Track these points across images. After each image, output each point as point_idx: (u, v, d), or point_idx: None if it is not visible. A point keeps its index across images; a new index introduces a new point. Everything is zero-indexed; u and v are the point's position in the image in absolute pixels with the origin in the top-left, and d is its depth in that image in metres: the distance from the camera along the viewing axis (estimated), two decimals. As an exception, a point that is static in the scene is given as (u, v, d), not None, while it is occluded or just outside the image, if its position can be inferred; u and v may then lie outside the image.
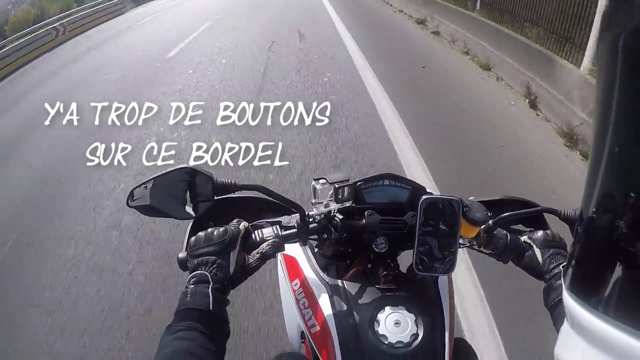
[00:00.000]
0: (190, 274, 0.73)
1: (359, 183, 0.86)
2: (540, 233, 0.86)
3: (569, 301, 0.39)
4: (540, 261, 0.83)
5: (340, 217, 0.83)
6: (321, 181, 0.83)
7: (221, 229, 0.75)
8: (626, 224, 0.34)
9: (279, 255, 1.00)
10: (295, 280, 0.94)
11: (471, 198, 0.89)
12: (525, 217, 0.93)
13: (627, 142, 0.34)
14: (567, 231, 0.87)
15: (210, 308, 0.68)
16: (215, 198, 0.77)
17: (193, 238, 0.76)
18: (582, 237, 0.40)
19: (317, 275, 0.91)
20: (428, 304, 0.86)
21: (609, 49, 0.36)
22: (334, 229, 0.83)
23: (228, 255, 0.74)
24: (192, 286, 0.70)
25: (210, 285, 0.70)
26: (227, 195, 0.78)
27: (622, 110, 0.34)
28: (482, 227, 0.84)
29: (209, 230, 0.76)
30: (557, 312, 0.77)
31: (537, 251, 0.84)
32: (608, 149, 0.36)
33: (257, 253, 0.78)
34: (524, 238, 0.88)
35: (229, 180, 0.77)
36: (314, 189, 0.83)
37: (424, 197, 0.78)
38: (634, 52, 0.33)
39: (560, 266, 0.80)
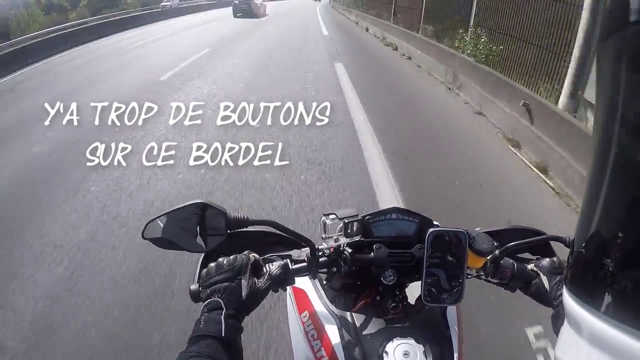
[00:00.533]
0: (203, 302, 0.74)
1: (367, 217, 0.88)
2: (546, 261, 0.87)
3: (569, 301, 0.40)
4: (548, 288, 0.83)
5: (350, 250, 0.85)
6: (331, 216, 0.85)
7: (231, 257, 0.77)
8: (626, 224, 0.34)
9: (289, 289, 1.01)
10: (304, 312, 0.94)
11: (477, 229, 0.91)
12: (531, 246, 0.94)
13: (629, 143, 0.34)
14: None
15: (223, 335, 0.68)
16: (228, 232, 0.79)
17: (204, 270, 0.78)
18: (582, 238, 0.40)
19: (326, 307, 0.92)
20: (437, 334, 0.86)
21: (609, 50, 0.36)
22: (343, 263, 0.85)
23: (239, 281, 0.75)
24: (206, 314, 0.71)
25: (223, 312, 0.70)
26: (239, 230, 0.80)
27: (622, 110, 0.35)
28: (489, 257, 0.85)
29: (219, 260, 0.77)
30: None
31: (544, 279, 0.85)
32: (609, 150, 0.36)
33: (268, 281, 0.79)
34: (530, 266, 0.89)
35: (242, 215, 0.79)
36: (324, 224, 0.85)
37: (430, 230, 0.80)
38: (634, 52, 0.33)
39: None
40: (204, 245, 0.78)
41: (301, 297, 0.98)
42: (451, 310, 0.90)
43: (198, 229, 0.78)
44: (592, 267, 0.38)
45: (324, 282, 0.98)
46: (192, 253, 0.80)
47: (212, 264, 0.77)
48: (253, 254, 0.81)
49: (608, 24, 0.37)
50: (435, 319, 0.88)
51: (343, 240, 0.85)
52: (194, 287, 0.78)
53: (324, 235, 0.86)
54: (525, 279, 0.87)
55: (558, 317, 0.79)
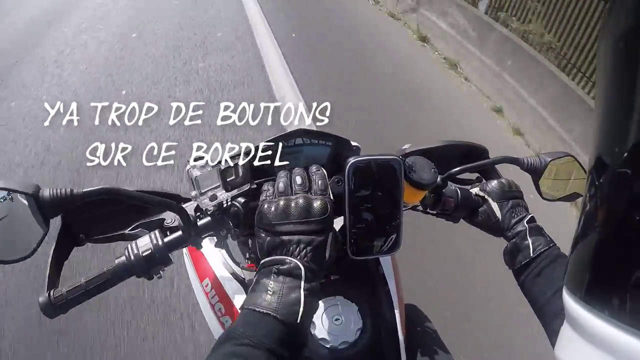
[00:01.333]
0: (267, 255, 0.53)
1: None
2: (494, 183, 0.71)
3: (569, 301, 0.38)
4: (499, 216, 0.69)
5: (242, 201, 0.61)
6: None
7: (320, 201, 0.54)
8: (627, 222, 0.33)
9: (184, 249, 0.77)
10: (205, 280, 0.74)
11: (406, 146, 0.71)
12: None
13: (630, 141, 0.33)
14: (522, 177, 0.73)
15: (298, 320, 0.48)
16: (52, 218, 0.49)
17: (273, 207, 0.54)
18: (582, 236, 0.39)
19: (231, 271, 0.72)
20: (370, 285, 0.70)
21: (610, 49, 0.36)
22: (232, 220, 0.61)
23: (325, 239, 0.54)
24: (280, 277, 0.50)
25: (303, 284, 0.49)
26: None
27: (623, 110, 0.34)
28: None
29: (301, 200, 0.54)
30: (524, 276, 0.67)
31: (494, 205, 0.70)
32: (609, 147, 0.36)
33: (135, 273, 0.55)
34: (475, 190, 0.73)
35: (61, 192, 0.49)
36: (191, 177, 0.57)
37: (351, 160, 0.58)
38: (634, 52, 0.33)
39: (525, 222, 0.68)
40: (27, 249, 0.49)
41: (199, 261, 0.76)
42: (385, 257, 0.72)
43: (3, 226, 0.48)
44: (592, 266, 0.37)
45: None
46: None
47: (292, 203, 0.54)
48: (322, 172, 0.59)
49: (609, 22, 0.36)
50: (367, 270, 0.71)
51: (223, 196, 0.59)
52: (43, 298, 0.52)
53: (194, 193, 0.59)
54: (470, 206, 0.71)
55: (516, 252, 0.67)
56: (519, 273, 0.67)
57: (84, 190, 0.50)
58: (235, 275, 0.71)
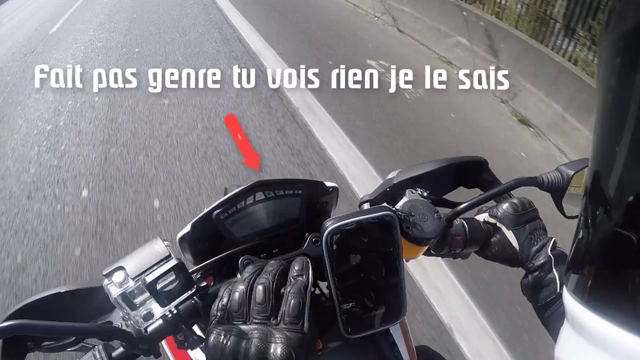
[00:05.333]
0: None
1: (216, 213, 0.50)
2: (505, 206, 0.59)
3: (569, 301, 0.37)
4: (516, 246, 0.57)
5: (196, 297, 0.46)
6: (116, 278, 0.42)
7: (255, 341, 0.39)
8: (627, 222, 0.33)
9: (163, 342, 0.62)
10: None
11: (391, 175, 0.59)
12: (473, 177, 0.65)
13: (630, 140, 0.33)
14: (537, 194, 0.61)
15: None
16: None
17: (212, 342, 0.39)
18: (583, 236, 0.38)
19: None
20: (378, 354, 0.57)
21: (611, 48, 0.35)
22: (194, 319, 0.47)
23: None
24: None
25: None
26: None
27: (624, 111, 0.33)
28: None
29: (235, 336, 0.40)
30: (550, 312, 0.56)
31: (509, 234, 0.58)
32: (609, 147, 0.35)
33: None
34: (484, 217, 0.60)
35: None
36: (111, 297, 0.42)
37: (328, 226, 0.44)
38: (636, 51, 0.32)
39: (548, 250, 0.57)
40: None
41: (178, 352, 0.62)
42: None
43: None
44: (593, 266, 0.37)
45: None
46: None
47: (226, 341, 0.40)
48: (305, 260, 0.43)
49: (610, 20, 0.35)
50: (375, 339, 0.58)
51: (161, 311, 0.43)
52: None
53: (122, 314, 0.44)
54: (481, 240, 0.58)
55: (539, 287, 0.57)
56: (543, 309, 0.57)
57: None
58: None
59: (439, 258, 0.62)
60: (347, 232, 0.44)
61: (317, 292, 0.58)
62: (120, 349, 0.43)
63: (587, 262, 0.37)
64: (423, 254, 0.58)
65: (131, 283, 0.42)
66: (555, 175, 0.57)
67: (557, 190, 0.57)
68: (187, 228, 0.49)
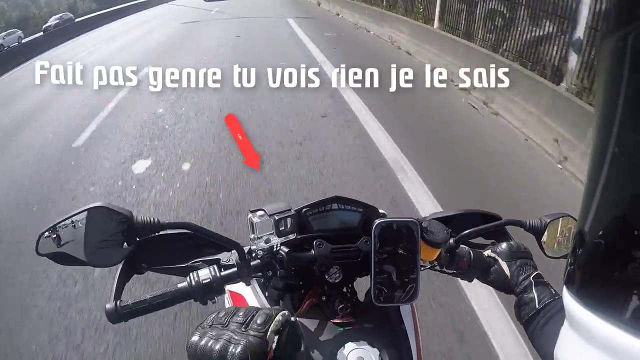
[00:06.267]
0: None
1: (304, 210, 0.78)
2: (504, 245, 0.81)
3: (569, 301, 0.39)
4: (508, 275, 0.77)
5: (286, 250, 0.74)
6: (259, 213, 0.73)
7: (241, 345, 0.50)
8: (626, 223, 0.34)
9: (226, 292, 0.89)
10: None
11: (426, 216, 0.83)
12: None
13: (630, 141, 0.34)
14: (531, 240, 0.82)
15: None
16: (138, 240, 0.66)
17: (198, 344, 0.51)
18: (583, 237, 0.39)
19: None
20: (392, 335, 0.79)
21: (612, 49, 0.36)
22: (279, 265, 0.74)
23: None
24: None
25: None
26: (153, 235, 0.67)
27: (624, 111, 0.34)
28: (443, 247, 0.77)
29: (224, 340, 0.51)
30: (532, 327, 0.71)
31: (504, 265, 0.78)
32: (610, 149, 0.36)
33: (193, 297, 0.67)
34: (487, 252, 0.82)
35: (152, 219, 0.66)
36: (252, 223, 0.73)
37: (377, 221, 0.71)
38: (637, 52, 0.33)
39: (530, 277, 0.75)
40: (110, 258, 0.65)
41: (239, 303, 0.86)
42: (406, 306, 0.82)
43: (101, 237, 0.64)
44: (593, 266, 0.37)
45: (265, 283, 0.87)
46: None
47: (213, 344, 0.50)
48: (270, 312, 0.56)
49: (611, 21, 0.36)
50: (389, 318, 0.80)
51: (275, 241, 0.74)
52: (110, 305, 0.64)
53: (252, 236, 0.74)
54: (483, 267, 0.80)
55: (522, 305, 0.74)
56: (527, 325, 0.73)
57: (169, 221, 0.66)
58: None
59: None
60: (386, 228, 0.70)
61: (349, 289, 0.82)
62: (228, 271, 0.71)
63: (586, 263, 0.38)
64: (436, 269, 0.81)
65: (266, 218, 0.72)
66: (536, 222, 0.80)
67: (536, 232, 0.80)
68: (290, 209, 0.76)
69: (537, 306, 0.71)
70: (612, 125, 0.36)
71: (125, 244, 0.65)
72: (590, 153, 0.39)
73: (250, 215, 0.73)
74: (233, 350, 0.49)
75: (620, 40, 0.34)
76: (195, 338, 0.52)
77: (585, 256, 0.39)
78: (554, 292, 0.72)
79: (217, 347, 0.49)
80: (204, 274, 0.69)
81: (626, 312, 0.33)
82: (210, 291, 0.69)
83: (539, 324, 0.70)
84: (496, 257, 0.80)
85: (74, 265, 0.66)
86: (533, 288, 0.73)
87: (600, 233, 0.37)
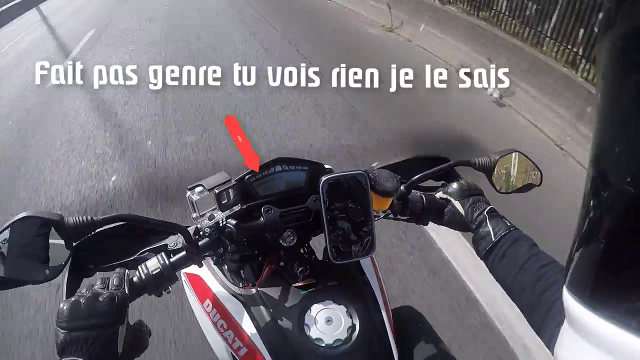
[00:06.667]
0: (60, 354, 0.54)
1: (247, 177, 0.74)
2: (455, 185, 0.80)
3: (569, 301, 0.38)
4: (463, 213, 0.77)
5: (234, 222, 0.70)
6: (197, 189, 0.68)
7: (105, 296, 0.57)
8: (627, 221, 0.34)
9: (182, 276, 0.85)
10: (206, 301, 0.81)
11: (374, 164, 0.81)
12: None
13: (630, 139, 0.34)
14: (481, 177, 0.82)
15: None
16: (75, 244, 0.60)
17: (66, 305, 0.56)
18: (582, 236, 0.39)
19: (227, 289, 0.79)
20: (356, 289, 0.78)
21: (611, 48, 0.35)
22: (228, 240, 0.70)
23: (115, 329, 0.57)
24: None
25: None
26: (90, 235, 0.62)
27: (625, 111, 0.34)
28: (395, 195, 0.75)
29: (88, 297, 0.57)
30: (491, 260, 0.72)
31: (457, 204, 0.78)
32: (610, 147, 0.36)
33: (146, 291, 0.65)
34: (439, 195, 0.81)
35: (84, 218, 0.59)
36: (191, 201, 0.68)
37: (323, 178, 0.68)
38: (636, 51, 0.33)
39: (485, 212, 0.75)
40: (48, 271, 0.59)
41: (198, 284, 0.83)
42: (366, 259, 0.81)
43: (33, 250, 0.57)
44: (593, 265, 0.37)
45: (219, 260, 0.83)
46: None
47: (82, 299, 0.57)
48: (123, 272, 0.64)
49: (608, 19, 0.35)
50: (351, 272, 0.79)
51: (220, 216, 0.69)
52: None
53: (194, 215, 0.69)
54: (436, 209, 0.80)
55: (479, 240, 0.74)
56: (485, 259, 0.73)
57: (102, 217, 0.60)
58: (234, 295, 0.78)
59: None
60: (334, 184, 0.67)
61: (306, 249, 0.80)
62: (176, 256, 0.67)
63: (586, 262, 0.38)
64: (390, 217, 0.80)
65: (206, 193, 0.67)
66: (485, 160, 0.79)
67: (486, 171, 0.79)
68: (230, 179, 0.72)
69: (493, 239, 0.71)
70: (612, 123, 0.36)
71: (62, 251, 0.59)
72: (590, 155, 0.38)
73: (188, 193, 0.68)
74: (101, 299, 0.57)
75: (620, 37, 0.34)
76: (62, 304, 0.57)
77: (585, 255, 0.39)
78: (508, 224, 0.72)
79: (84, 301, 0.56)
80: (153, 264, 0.65)
81: (627, 311, 0.33)
82: (163, 281, 0.65)
83: (497, 256, 0.70)
84: (448, 197, 0.79)
85: (10, 287, 0.59)
86: (488, 222, 0.73)
87: (601, 232, 0.37)
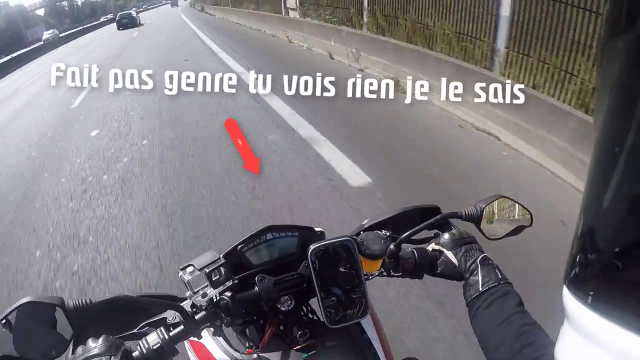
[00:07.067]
0: None
1: (239, 247, 0.75)
2: (446, 236, 0.80)
3: (569, 300, 0.39)
4: (456, 263, 0.77)
5: (229, 294, 0.72)
6: (188, 270, 0.71)
7: (100, 338, 0.62)
8: (627, 223, 0.35)
9: (186, 343, 0.87)
10: None
11: (365, 222, 0.82)
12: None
13: (631, 143, 0.34)
14: (471, 227, 0.83)
15: None
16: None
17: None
18: (582, 237, 0.39)
19: (230, 356, 0.80)
20: (358, 348, 0.78)
21: (612, 50, 0.36)
22: (224, 313, 0.72)
23: None
24: None
25: None
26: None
27: (625, 113, 0.35)
28: (385, 255, 0.76)
29: (87, 343, 0.62)
30: (474, 309, 0.71)
31: (450, 254, 0.78)
32: (610, 150, 0.36)
33: None
34: (431, 246, 0.82)
35: (84, 301, 0.64)
36: (184, 281, 0.71)
37: (311, 247, 0.70)
38: (636, 54, 0.33)
39: (477, 261, 0.75)
40: (52, 352, 0.63)
41: (201, 352, 0.84)
42: (366, 319, 0.81)
43: (36, 333, 0.63)
44: (593, 266, 0.38)
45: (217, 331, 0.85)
46: None
47: (80, 347, 0.62)
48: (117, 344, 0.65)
49: (611, 25, 0.36)
50: (351, 333, 0.80)
51: (212, 292, 0.71)
52: None
53: (188, 293, 0.72)
54: (429, 262, 0.80)
55: (467, 287, 0.74)
56: (470, 307, 0.72)
57: (100, 299, 0.65)
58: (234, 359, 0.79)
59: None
60: (323, 251, 0.69)
61: (306, 310, 0.81)
62: (175, 330, 0.69)
63: (586, 262, 0.38)
64: (384, 275, 0.81)
65: (197, 273, 0.69)
66: (471, 209, 0.80)
67: (474, 220, 0.80)
68: (219, 258, 0.74)
69: (480, 289, 0.71)
70: (612, 127, 0.36)
71: (65, 330, 0.63)
72: (592, 154, 0.38)
73: (180, 273, 0.71)
74: None
75: (621, 43, 0.34)
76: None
77: (585, 255, 0.39)
78: (500, 277, 0.72)
79: None
80: (153, 339, 0.67)
81: (626, 311, 0.33)
82: (164, 355, 0.67)
83: (481, 307, 0.70)
84: (441, 248, 0.80)
85: None
86: (479, 271, 0.73)
87: (600, 232, 0.37)
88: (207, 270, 0.70)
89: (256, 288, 0.73)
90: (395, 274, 0.81)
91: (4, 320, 0.61)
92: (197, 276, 0.71)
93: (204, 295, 0.71)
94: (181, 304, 0.71)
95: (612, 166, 0.36)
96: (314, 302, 0.82)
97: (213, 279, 0.71)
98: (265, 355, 0.77)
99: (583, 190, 0.40)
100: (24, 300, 0.62)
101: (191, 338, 0.82)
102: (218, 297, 0.71)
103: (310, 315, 0.82)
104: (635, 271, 0.34)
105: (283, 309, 0.75)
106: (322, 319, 0.80)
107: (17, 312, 0.61)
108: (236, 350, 0.81)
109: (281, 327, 0.78)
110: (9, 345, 0.61)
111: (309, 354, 0.76)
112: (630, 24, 0.34)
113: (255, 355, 0.78)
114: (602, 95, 0.38)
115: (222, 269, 0.71)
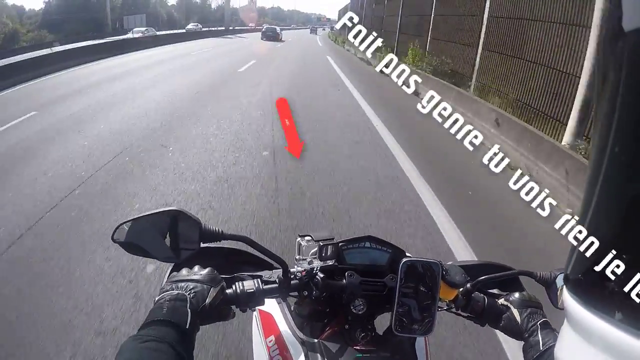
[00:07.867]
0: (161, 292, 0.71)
1: (340, 244, 0.87)
2: (517, 295, 0.87)
3: (570, 301, 0.40)
4: (519, 321, 0.83)
5: (322, 275, 0.83)
6: (306, 238, 0.84)
7: (207, 268, 0.76)
8: (625, 225, 0.35)
9: (255, 312, 0.98)
10: (270, 337, 0.91)
11: (450, 263, 0.91)
12: (502, 281, 0.94)
13: (628, 146, 0.35)
14: (542, 292, 0.89)
15: (187, 326, 0.65)
16: (201, 245, 0.77)
17: (174, 272, 0.76)
18: (583, 238, 0.40)
19: (294, 333, 0.89)
20: None
21: (612, 50, 0.36)
22: (314, 287, 0.83)
23: (209, 288, 0.73)
24: (169, 302, 0.68)
25: (188, 305, 0.68)
26: (212, 245, 0.79)
27: (624, 112, 0.35)
28: (461, 289, 0.85)
29: (195, 267, 0.76)
30: None
31: (515, 312, 0.85)
32: (610, 149, 0.36)
33: (236, 303, 0.77)
34: (501, 301, 0.89)
35: (217, 229, 0.76)
36: (299, 245, 0.83)
37: (404, 259, 0.80)
38: (632, 59, 0.34)
39: (538, 323, 0.80)
40: (174, 255, 0.77)
41: (268, 321, 0.95)
42: (420, 341, 0.89)
43: (169, 237, 0.76)
44: (593, 267, 0.38)
45: (292, 308, 0.95)
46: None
47: (184, 269, 0.76)
48: (222, 277, 0.79)
49: (607, 31, 0.37)
50: (404, 350, 0.87)
51: (317, 264, 0.83)
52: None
53: (297, 257, 0.84)
54: (496, 313, 0.87)
55: (528, 348, 0.79)
56: None
57: (231, 233, 0.76)
58: (298, 339, 0.87)
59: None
60: (412, 266, 0.79)
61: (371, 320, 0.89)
62: (269, 286, 0.81)
63: (587, 264, 0.38)
64: (452, 311, 0.89)
65: (312, 243, 0.82)
66: (547, 274, 0.87)
67: (546, 284, 0.87)
68: (332, 238, 0.86)
69: (541, 348, 0.76)
70: (612, 126, 0.36)
71: (191, 244, 0.76)
72: (591, 154, 0.40)
73: (299, 239, 0.84)
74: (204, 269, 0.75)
75: (621, 42, 0.35)
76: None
77: (586, 257, 0.39)
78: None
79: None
80: (249, 284, 0.79)
81: (626, 311, 0.33)
82: (252, 300, 0.79)
83: None
84: (509, 304, 0.87)
85: (141, 256, 0.77)
86: (539, 332, 0.79)
87: (601, 235, 0.38)
88: (321, 244, 0.82)
89: (344, 281, 0.84)
90: (463, 314, 0.89)
91: (148, 218, 0.74)
92: (310, 246, 0.83)
93: (310, 262, 0.83)
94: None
95: (610, 170, 0.36)
96: (376, 322, 0.90)
97: (322, 254, 0.82)
98: (325, 342, 0.86)
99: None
100: (174, 208, 0.75)
101: (263, 308, 0.93)
102: (317, 270, 0.83)
103: (370, 327, 0.90)
104: (633, 274, 0.34)
105: (354, 310, 0.84)
106: (383, 333, 0.88)
107: (164, 215, 0.74)
108: (300, 329, 0.90)
109: (346, 326, 0.87)
110: (141, 238, 0.75)
111: (363, 355, 0.83)
112: (626, 29, 0.34)
113: (316, 340, 0.87)
114: (602, 95, 0.38)
115: (330, 248, 0.83)
